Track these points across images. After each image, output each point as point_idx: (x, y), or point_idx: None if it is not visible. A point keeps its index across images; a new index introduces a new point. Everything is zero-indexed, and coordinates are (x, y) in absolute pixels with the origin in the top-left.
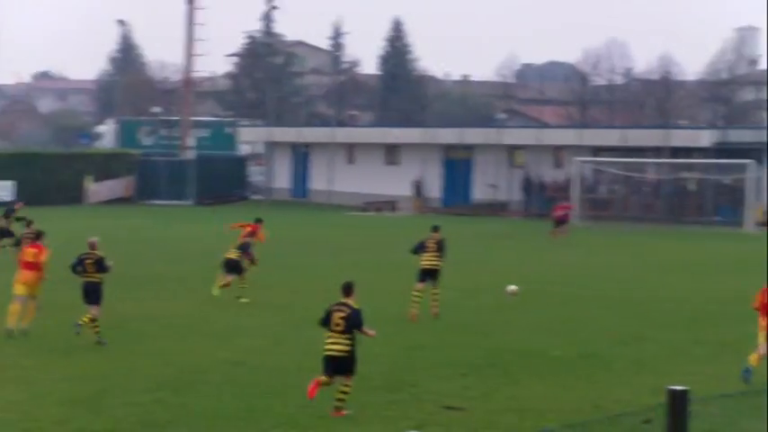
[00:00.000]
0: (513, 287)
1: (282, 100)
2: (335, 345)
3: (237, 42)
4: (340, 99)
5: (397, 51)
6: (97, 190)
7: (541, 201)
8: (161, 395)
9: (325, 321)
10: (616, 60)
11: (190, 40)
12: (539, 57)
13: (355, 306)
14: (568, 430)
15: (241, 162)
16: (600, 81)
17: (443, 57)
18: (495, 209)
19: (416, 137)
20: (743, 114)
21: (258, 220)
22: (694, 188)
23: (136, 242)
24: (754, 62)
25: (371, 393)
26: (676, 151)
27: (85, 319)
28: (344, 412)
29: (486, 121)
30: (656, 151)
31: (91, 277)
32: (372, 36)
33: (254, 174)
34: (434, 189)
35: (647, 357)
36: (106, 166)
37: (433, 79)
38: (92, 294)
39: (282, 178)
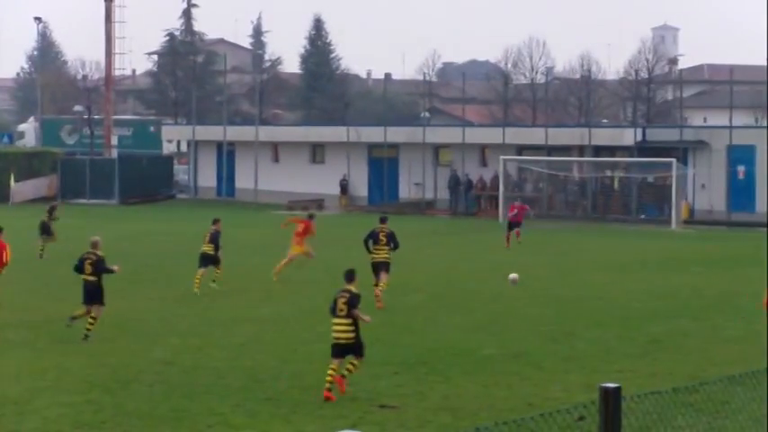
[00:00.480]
0: (514, 275)
1: (205, 98)
2: (341, 331)
3: (158, 41)
4: (263, 97)
5: (318, 50)
6: (20, 189)
7: (468, 199)
8: (93, 395)
9: (332, 308)
10: (536, 59)
11: (109, 38)
12: (460, 56)
13: (355, 291)
14: (503, 428)
15: (166, 161)
16: (521, 80)
17: (365, 56)
18: (422, 207)
19: (341, 135)
20: (663, 113)
21: (311, 216)
22: (619, 187)
23: (62, 242)
24: (674, 62)
25: (305, 392)
26: (599, 150)
27: (80, 313)
28: (344, 386)
29: (410, 119)
30: (580, 150)
31: (89, 277)
32: (293, 34)
33: (179, 172)
34: (360, 188)
35: (579, 355)
36: (29, 165)
37: (355, 78)
38: (92, 294)
39: (207, 177)
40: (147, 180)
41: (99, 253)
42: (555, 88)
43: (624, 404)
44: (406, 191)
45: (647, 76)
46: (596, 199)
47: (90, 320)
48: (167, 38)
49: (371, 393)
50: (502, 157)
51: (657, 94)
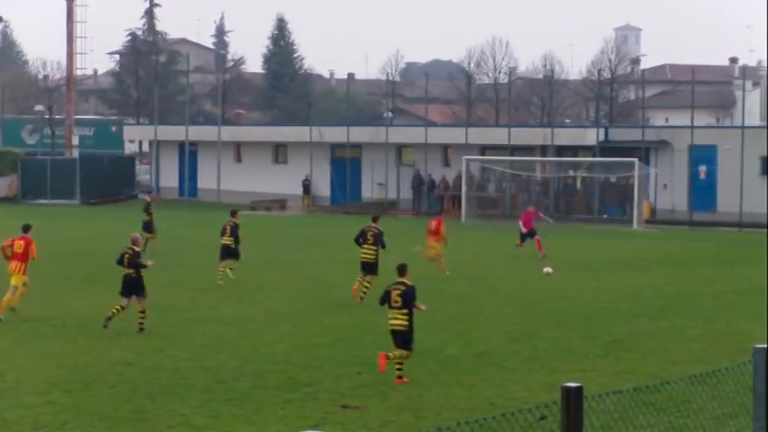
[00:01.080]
0: (548, 269)
1: (167, 98)
2: (396, 320)
3: (120, 40)
4: (225, 97)
5: (281, 50)
6: None
7: (431, 199)
8: (53, 397)
9: (384, 300)
10: (499, 59)
11: (71, 37)
12: (423, 55)
13: (409, 283)
14: (464, 428)
15: (128, 161)
16: (484, 80)
17: (328, 55)
18: (385, 207)
19: (304, 135)
20: (626, 113)
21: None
22: (581, 186)
23: None
24: (636, 62)
25: (267, 393)
26: (562, 150)
27: (116, 309)
28: (405, 379)
29: (373, 119)
30: (543, 150)
31: (128, 271)
32: (256, 34)
33: (141, 173)
34: (323, 188)
35: (541, 355)
36: None
37: (318, 78)
38: (129, 287)
39: (170, 177)
40: (108, 180)
41: (136, 248)
42: (518, 88)
43: (586, 404)
44: (368, 191)
45: (609, 76)
46: (559, 199)
47: (140, 315)
48: (129, 37)
49: (334, 393)
50: (465, 157)
51: (620, 94)
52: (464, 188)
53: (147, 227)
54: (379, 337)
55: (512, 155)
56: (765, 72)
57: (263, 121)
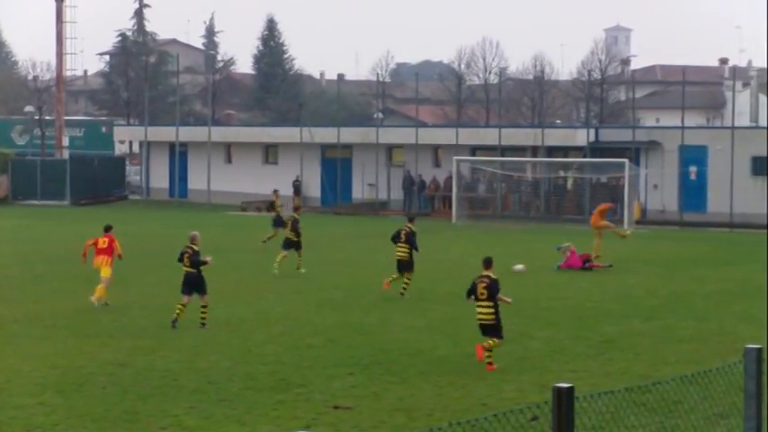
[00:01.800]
0: (519, 266)
1: (157, 99)
2: (484, 313)
3: (110, 41)
4: (215, 98)
5: (271, 50)
6: None
7: (422, 200)
8: (45, 398)
9: (471, 292)
10: (490, 60)
11: (60, 38)
12: (413, 56)
13: (493, 276)
14: (456, 429)
15: (118, 162)
16: (475, 80)
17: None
18: (375, 208)
19: (294, 136)
20: (616, 114)
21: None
22: (572, 187)
23: (14, 242)
24: (626, 62)
25: (259, 394)
26: (552, 150)
27: (178, 310)
28: (494, 366)
29: (363, 120)
30: (533, 150)
31: (189, 269)
32: (246, 35)
33: (132, 173)
34: (314, 188)
35: (532, 355)
36: None
37: (308, 78)
38: (190, 285)
39: (160, 178)
40: (98, 181)
41: (195, 247)
42: (508, 89)
43: (577, 404)
44: (359, 191)
45: (599, 77)
46: (549, 199)
47: (202, 310)
48: (119, 38)
49: (326, 394)
50: (455, 157)
51: (610, 94)
52: (455, 189)
53: (278, 222)
54: (371, 338)
55: (502, 155)
56: (755, 73)
57: (254, 122)
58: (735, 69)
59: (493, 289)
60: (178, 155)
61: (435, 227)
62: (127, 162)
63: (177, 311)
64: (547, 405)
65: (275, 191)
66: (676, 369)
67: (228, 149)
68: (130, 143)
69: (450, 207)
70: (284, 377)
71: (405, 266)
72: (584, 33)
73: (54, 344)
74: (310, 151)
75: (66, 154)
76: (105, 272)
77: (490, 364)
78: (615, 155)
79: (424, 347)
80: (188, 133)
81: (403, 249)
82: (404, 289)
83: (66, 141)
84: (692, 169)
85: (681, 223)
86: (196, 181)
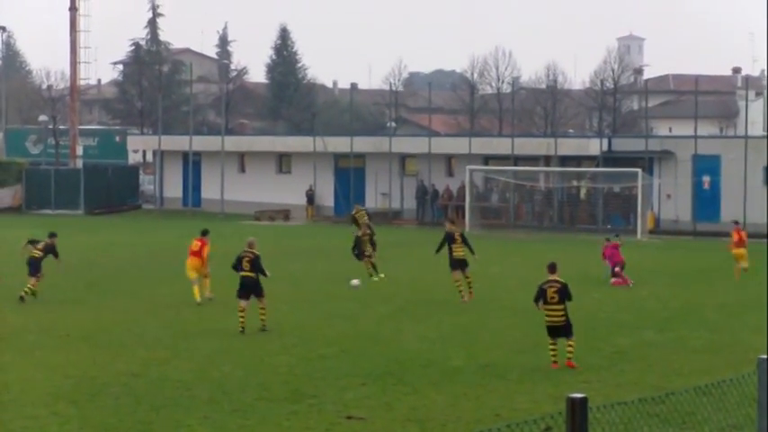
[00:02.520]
0: (355, 281)
1: (171, 108)
2: (554, 316)
3: (123, 50)
4: (229, 107)
5: (284, 60)
6: None
7: (435, 209)
8: (59, 408)
9: (539, 297)
10: (503, 69)
11: (74, 47)
12: (426, 65)
13: (562, 281)
14: None
15: (132, 171)
16: (488, 90)
17: (331, 65)
18: (389, 217)
19: (307, 145)
20: (629, 123)
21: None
22: (585, 196)
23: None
24: (639, 71)
25: (272, 404)
26: (565, 160)
27: (241, 317)
28: (575, 364)
29: (376, 129)
30: (546, 160)
31: (248, 273)
32: (260, 44)
33: (145, 183)
34: (327, 198)
35: (545, 366)
36: None
37: (321, 88)
38: (249, 288)
39: (174, 187)
40: (112, 190)
41: (256, 252)
42: (521, 98)
43: (591, 415)
44: (372, 201)
45: (612, 86)
46: (563, 209)
47: (261, 312)
48: (133, 47)
49: (339, 405)
50: (468, 166)
51: (623, 103)
52: (468, 198)
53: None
54: (384, 348)
55: (515, 165)
56: (767, 82)
57: (267, 131)
58: (748, 78)
59: (564, 293)
60: (192, 164)
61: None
62: (140, 171)
63: (241, 319)
64: (560, 416)
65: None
66: (689, 380)
67: (242, 159)
68: (144, 152)
69: (464, 216)
70: (297, 387)
71: (462, 264)
72: (597, 43)
73: (67, 354)
74: (323, 161)
75: (79, 163)
76: (191, 274)
77: (570, 360)
78: (628, 164)
79: (437, 358)
80: (201, 142)
81: (461, 249)
82: (470, 287)
83: (79, 151)
84: (706, 179)
85: (694, 233)
86: (209, 190)
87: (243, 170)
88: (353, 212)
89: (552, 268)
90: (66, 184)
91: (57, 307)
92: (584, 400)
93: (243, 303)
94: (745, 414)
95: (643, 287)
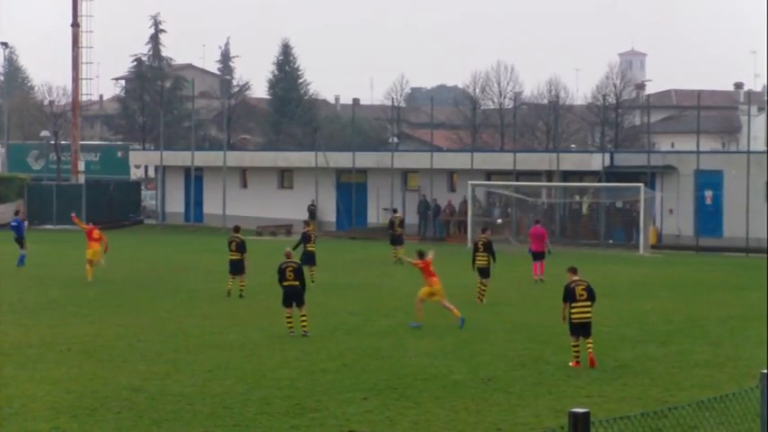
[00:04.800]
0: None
1: (173, 123)
2: (583, 312)
3: (125, 66)
4: (231, 123)
5: (286, 75)
6: None
7: (437, 224)
8: (60, 422)
9: (568, 296)
10: (504, 84)
11: (76, 63)
12: (428, 81)
13: (586, 280)
14: None
15: (134, 186)
16: (489, 105)
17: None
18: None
19: (309, 161)
20: (631, 138)
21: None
22: (587, 211)
23: (29, 267)
24: (641, 87)
25: (273, 418)
26: (568, 175)
27: (289, 324)
28: (596, 362)
29: (378, 144)
30: (548, 175)
31: (292, 282)
32: (261, 60)
33: (147, 198)
34: (329, 213)
35: (547, 380)
36: None
37: (323, 103)
38: (293, 297)
39: (175, 202)
40: (114, 205)
41: (298, 261)
42: (523, 113)
43: (593, 429)
44: (374, 216)
45: (614, 102)
46: (565, 224)
47: (302, 319)
48: (135, 63)
49: (340, 419)
50: (470, 182)
51: (625, 119)
52: (470, 213)
53: (397, 239)
54: (385, 363)
55: (517, 180)
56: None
57: (269, 147)
58: (750, 94)
59: (591, 291)
60: (194, 179)
61: (450, 251)
62: (142, 186)
63: (289, 325)
64: (563, 430)
65: (395, 211)
66: (692, 394)
67: (244, 174)
68: (146, 168)
69: (466, 232)
70: (299, 402)
71: (484, 272)
72: (598, 58)
73: (68, 368)
74: (325, 176)
75: (81, 179)
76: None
77: (592, 360)
78: (630, 179)
79: (439, 372)
80: (203, 158)
81: (483, 257)
82: (482, 294)
83: (81, 166)
84: (708, 194)
85: (696, 248)
86: (211, 205)
87: (245, 185)
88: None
89: (574, 270)
90: (68, 200)
91: (58, 321)
92: (586, 415)
93: (288, 311)
94: (747, 428)
95: (646, 301)
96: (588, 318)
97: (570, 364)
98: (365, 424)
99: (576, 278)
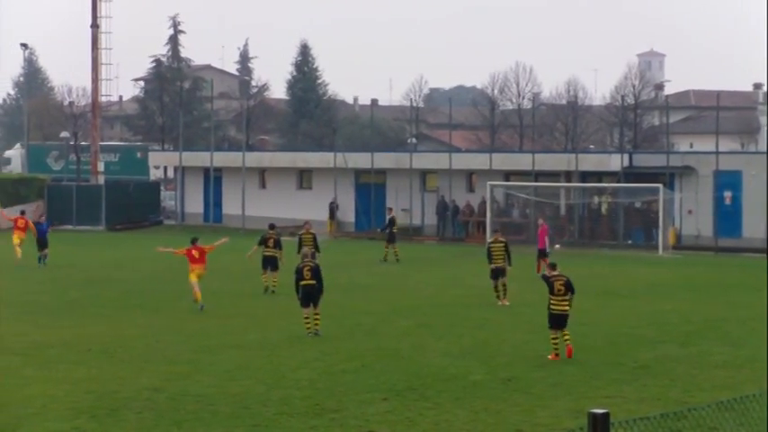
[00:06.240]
0: None
1: (192, 124)
2: (560, 305)
3: (144, 66)
4: (249, 123)
5: (305, 76)
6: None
7: (455, 225)
8: (80, 422)
9: (549, 289)
10: (523, 85)
11: (96, 64)
12: (446, 81)
13: (565, 275)
14: None
15: (153, 187)
16: (508, 105)
17: (352, 81)
18: (409, 233)
19: (328, 161)
20: (650, 139)
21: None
22: (606, 212)
23: (49, 268)
24: (660, 87)
25: (293, 419)
26: (586, 175)
27: (307, 324)
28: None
29: (397, 145)
30: (567, 175)
31: (309, 282)
32: (280, 60)
33: (166, 198)
34: (348, 213)
35: (567, 380)
36: (15, 191)
37: (342, 104)
38: (309, 296)
39: (195, 203)
40: (133, 206)
41: (316, 261)
42: (541, 114)
43: (612, 430)
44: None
45: (633, 102)
46: (584, 224)
47: (316, 318)
48: (154, 64)
49: (360, 420)
50: (489, 182)
51: (644, 119)
52: (488, 214)
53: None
54: (405, 363)
55: (536, 180)
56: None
57: (287, 147)
58: None
59: (570, 285)
60: (213, 180)
61: (469, 252)
62: (162, 187)
63: (307, 325)
64: (582, 431)
65: (390, 208)
66: (712, 395)
67: (263, 175)
68: (165, 168)
69: (484, 232)
70: (318, 402)
71: (501, 272)
72: (617, 59)
73: (88, 369)
74: (344, 176)
75: (101, 179)
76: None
77: (569, 347)
78: (649, 180)
79: (458, 373)
80: (223, 159)
81: (500, 258)
82: (504, 294)
83: (101, 167)
84: (727, 194)
85: (716, 249)
86: (230, 206)
87: (264, 186)
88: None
89: (553, 266)
90: (88, 200)
91: (78, 321)
92: (605, 416)
93: (306, 311)
94: (767, 429)
95: (665, 302)
96: (566, 310)
97: (549, 356)
98: (385, 425)
99: (554, 273)
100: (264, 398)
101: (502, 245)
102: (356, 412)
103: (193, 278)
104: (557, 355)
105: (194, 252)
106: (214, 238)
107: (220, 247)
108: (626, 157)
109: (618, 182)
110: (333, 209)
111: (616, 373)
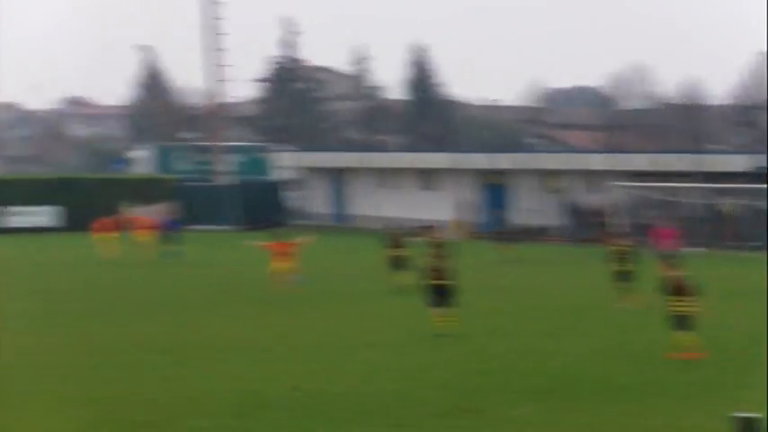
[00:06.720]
0: None
1: (312, 125)
2: (682, 306)
3: (264, 68)
4: (369, 124)
5: (423, 76)
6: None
7: (585, 226)
8: (222, 420)
9: (672, 290)
10: (642, 84)
11: (217, 66)
12: (563, 81)
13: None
14: None
15: (279, 187)
16: (627, 105)
17: (470, 81)
18: (534, 234)
19: (450, 162)
20: None
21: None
22: (732, 214)
23: (183, 266)
24: None
25: (432, 419)
26: (710, 176)
27: (443, 320)
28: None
29: (516, 145)
30: (690, 176)
31: (439, 282)
32: (397, 61)
33: (291, 199)
34: (472, 214)
35: (714, 383)
36: (143, 191)
37: (459, 104)
38: (442, 297)
39: (321, 203)
40: (259, 207)
41: (447, 262)
42: (662, 113)
43: None
44: (517, 217)
45: (759, 101)
46: (711, 226)
47: (449, 320)
48: (273, 65)
49: (505, 422)
50: (614, 183)
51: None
52: (615, 215)
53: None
54: (545, 365)
55: (659, 181)
56: None
57: (408, 148)
58: None
59: (692, 286)
60: (337, 180)
61: (597, 254)
62: (287, 188)
63: (439, 325)
64: None
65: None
66: None
67: (386, 175)
68: (289, 169)
69: (613, 234)
70: (457, 403)
71: (627, 276)
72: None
73: (228, 367)
74: (467, 177)
75: (226, 179)
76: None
77: (690, 353)
78: None
79: (601, 374)
80: (345, 159)
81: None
82: (632, 296)
83: (227, 167)
84: None
85: None
86: (356, 206)
87: (386, 186)
88: None
89: (675, 267)
90: (214, 201)
91: (211, 320)
92: (756, 421)
93: (437, 311)
94: None
95: None
96: (689, 311)
97: (677, 356)
98: (531, 426)
99: (676, 273)
100: (401, 397)
101: (629, 247)
102: (499, 414)
103: (277, 269)
104: (686, 355)
105: (278, 247)
106: (341, 238)
107: (307, 245)
108: (752, 157)
109: (744, 183)
110: (462, 209)
111: (759, 377)
